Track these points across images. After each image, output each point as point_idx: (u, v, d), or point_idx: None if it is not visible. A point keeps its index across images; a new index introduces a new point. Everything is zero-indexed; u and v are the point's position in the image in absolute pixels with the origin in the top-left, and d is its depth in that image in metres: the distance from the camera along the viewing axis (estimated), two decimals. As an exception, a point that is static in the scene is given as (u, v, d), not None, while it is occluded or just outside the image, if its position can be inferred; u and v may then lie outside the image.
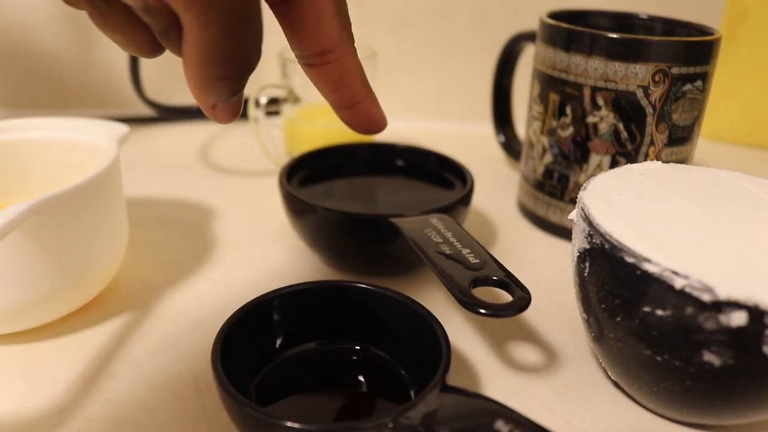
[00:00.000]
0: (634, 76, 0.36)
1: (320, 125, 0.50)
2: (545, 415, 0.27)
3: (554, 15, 0.42)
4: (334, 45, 0.22)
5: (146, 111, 0.58)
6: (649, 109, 0.36)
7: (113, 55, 0.61)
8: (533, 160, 0.42)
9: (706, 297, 0.21)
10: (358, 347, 0.29)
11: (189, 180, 0.49)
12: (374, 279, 0.36)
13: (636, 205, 0.26)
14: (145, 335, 0.31)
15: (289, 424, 0.20)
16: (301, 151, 0.42)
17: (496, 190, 0.48)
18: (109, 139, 0.34)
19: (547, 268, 0.38)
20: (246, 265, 0.38)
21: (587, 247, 0.25)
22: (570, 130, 0.39)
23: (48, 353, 0.30)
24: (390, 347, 0.28)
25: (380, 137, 0.57)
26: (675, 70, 0.36)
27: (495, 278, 0.26)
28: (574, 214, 0.27)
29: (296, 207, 0.35)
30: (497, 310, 0.24)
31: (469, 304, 0.24)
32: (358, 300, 0.28)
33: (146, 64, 0.59)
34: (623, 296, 0.24)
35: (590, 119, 0.38)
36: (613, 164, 0.38)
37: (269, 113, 0.50)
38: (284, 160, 0.49)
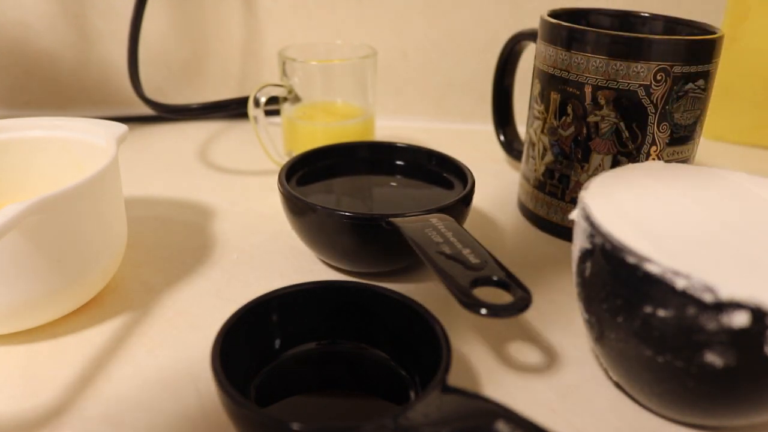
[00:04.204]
0: (635, 75, 0.35)
1: (320, 124, 0.50)
2: (546, 416, 0.27)
3: (555, 14, 0.41)
4: None
5: (145, 110, 0.58)
6: (650, 109, 0.36)
7: (112, 54, 0.61)
8: (534, 160, 0.42)
9: (707, 297, 0.21)
10: (358, 347, 0.29)
11: (188, 180, 0.49)
12: (374, 279, 0.36)
13: (638, 205, 0.26)
14: (144, 335, 0.31)
15: (288, 424, 0.20)
16: (300, 151, 0.42)
17: (497, 189, 0.48)
18: (108, 138, 0.34)
19: (547, 268, 0.38)
20: (246, 265, 0.38)
21: (588, 247, 0.25)
22: (571, 130, 0.39)
23: (46, 354, 0.30)
24: (390, 347, 0.28)
25: (380, 137, 0.57)
26: (677, 69, 0.35)
27: (495, 278, 0.26)
28: (575, 214, 0.27)
29: (296, 207, 0.35)
30: (498, 311, 0.24)
31: (469, 304, 0.24)
32: (358, 300, 0.28)
33: (145, 63, 0.58)
34: (625, 296, 0.23)
35: (591, 118, 0.37)
36: (615, 164, 0.38)
37: (269, 112, 0.50)
38: (284, 159, 0.48)
